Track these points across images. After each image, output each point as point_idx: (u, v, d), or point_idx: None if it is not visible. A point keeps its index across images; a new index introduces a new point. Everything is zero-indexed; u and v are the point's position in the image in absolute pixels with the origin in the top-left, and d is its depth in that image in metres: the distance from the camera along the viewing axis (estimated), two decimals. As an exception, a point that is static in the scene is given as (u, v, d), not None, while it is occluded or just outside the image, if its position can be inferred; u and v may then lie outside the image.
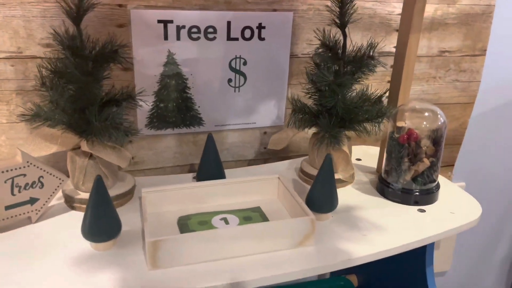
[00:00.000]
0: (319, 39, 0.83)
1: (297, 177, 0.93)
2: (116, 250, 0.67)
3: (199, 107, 0.99)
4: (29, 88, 0.86)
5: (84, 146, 0.72)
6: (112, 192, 0.77)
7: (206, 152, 0.83)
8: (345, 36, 0.82)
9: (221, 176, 0.83)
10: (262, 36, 0.97)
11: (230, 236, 0.64)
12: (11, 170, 0.67)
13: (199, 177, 0.84)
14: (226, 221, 0.72)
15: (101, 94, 0.73)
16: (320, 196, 0.73)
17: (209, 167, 0.83)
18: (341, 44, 0.82)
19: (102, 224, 0.64)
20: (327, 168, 0.72)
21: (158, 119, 0.97)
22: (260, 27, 0.96)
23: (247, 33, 0.96)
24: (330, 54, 0.82)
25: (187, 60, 0.94)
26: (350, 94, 0.84)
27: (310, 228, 0.67)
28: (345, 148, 0.83)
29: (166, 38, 0.91)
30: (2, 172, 0.66)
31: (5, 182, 0.67)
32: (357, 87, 0.86)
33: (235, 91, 1.00)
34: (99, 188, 0.63)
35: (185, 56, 0.93)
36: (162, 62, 0.93)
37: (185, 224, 0.71)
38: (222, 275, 0.62)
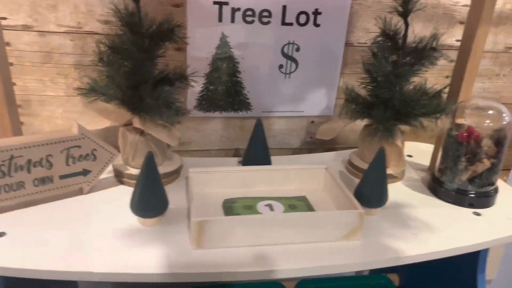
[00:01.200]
0: (380, 27, 0.79)
1: (343, 169, 0.90)
2: (161, 227, 0.67)
3: (248, 92, 0.98)
4: (87, 63, 0.88)
5: (136, 123, 0.73)
6: (160, 170, 0.78)
7: (254, 137, 0.82)
8: (407, 25, 0.78)
9: (267, 162, 0.82)
10: (318, 22, 0.94)
11: (276, 223, 0.63)
12: (67, 141, 0.69)
13: (245, 162, 0.83)
14: (271, 207, 0.71)
15: (155, 72, 0.73)
16: (370, 190, 0.70)
17: (256, 152, 0.82)
18: (402, 34, 0.78)
19: (150, 200, 0.65)
20: (379, 162, 0.70)
21: (207, 102, 0.97)
22: (316, 12, 0.93)
23: (302, 19, 0.93)
24: (389, 44, 0.79)
25: (239, 43, 0.93)
26: (407, 86, 0.80)
27: (358, 222, 0.65)
28: (399, 143, 0.79)
29: (220, 20, 0.90)
30: (59, 142, 0.69)
31: (61, 152, 0.69)
32: (414, 80, 0.82)
33: (285, 78, 0.98)
34: (149, 165, 0.64)
35: (238, 40, 0.93)
36: (215, 44, 0.92)
37: (230, 207, 0.71)
38: (265, 261, 0.61)
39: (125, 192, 0.76)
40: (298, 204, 0.73)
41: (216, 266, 0.60)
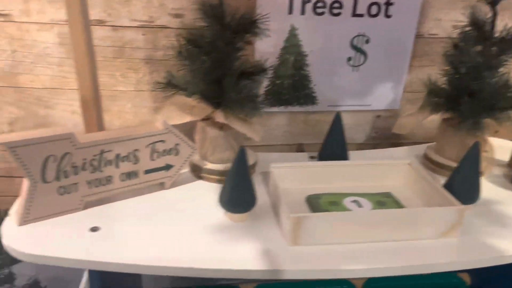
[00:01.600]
0: (468, 17, 0.76)
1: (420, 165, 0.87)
2: (250, 223, 0.66)
3: (314, 85, 0.96)
4: (157, 58, 0.88)
5: (220, 117, 0.72)
6: (237, 165, 0.77)
7: (332, 132, 0.80)
8: (495, 14, 0.74)
9: (345, 157, 0.80)
10: (389, 13, 0.91)
11: (372, 220, 0.61)
12: (153, 135, 0.69)
13: (322, 157, 0.81)
14: (358, 204, 0.69)
15: (237, 65, 0.72)
16: (462, 186, 0.68)
17: (334, 147, 0.80)
18: (490, 23, 0.75)
19: (241, 195, 0.64)
20: (473, 157, 0.67)
21: (273, 96, 0.95)
22: (388, 3, 0.90)
23: (374, 9, 0.91)
24: (476, 34, 0.75)
25: (309, 36, 0.91)
26: (494, 78, 0.76)
27: (458, 219, 0.62)
28: (486, 137, 0.76)
29: (290, 12, 0.89)
30: (145, 136, 0.68)
31: (146, 146, 0.69)
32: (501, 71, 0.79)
33: (353, 70, 0.96)
34: (241, 160, 0.63)
35: (307, 32, 0.91)
36: (283, 37, 0.91)
37: (316, 203, 0.69)
38: (361, 259, 0.60)
39: (205, 187, 0.76)
40: (385, 200, 0.70)
41: (316, 263, 0.58)
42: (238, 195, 0.64)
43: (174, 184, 0.75)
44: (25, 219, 0.62)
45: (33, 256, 0.58)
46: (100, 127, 0.75)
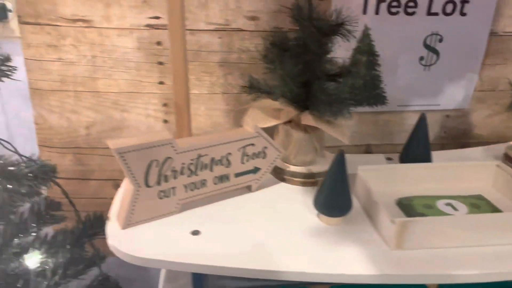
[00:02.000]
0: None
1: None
2: (345, 226, 0.66)
3: (385, 85, 0.95)
4: (231, 60, 0.88)
5: (308, 120, 0.72)
6: (317, 168, 0.77)
7: (416, 133, 0.79)
8: None
9: (429, 159, 0.79)
10: (464, 11, 0.90)
11: (478, 224, 0.60)
12: (245, 139, 0.69)
13: (404, 158, 0.81)
14: (453, 207, 0.68)
15: (325, 68, 0.72)
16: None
17: (418, 148, 0.79)
18: None
19: (339, 198, 0.64)
20: None
21: (343, 96, 0.95)
22: (464, 1, 0.89)
23: (449, 8, 0.89)
24: None
25: (381, 35, 0.90)
26: None
27: None
28: None
29: (365, 12, 0.88)
30: (238, 140, 0.69)
31: (238, 150, 0.69)
32: None
33: (424, 70, 0.95)
34: (340, 163, 0.63)
35: (380, 31, 0.90)
36: (357, 37, 0.90)
37: (409, 206, 0.69)
38: (471, 264, 0.59)
39: (290, 190, 0.76)
40: (479, 203, 0.69)
41: (423, 268, 0.58)
42: (336, 198, 0.64)
43: (259, 187, 0.75)
44: (128, 223, 0.63)
45: (140, 258, 0.59)
46: (190, 131, 0.76)
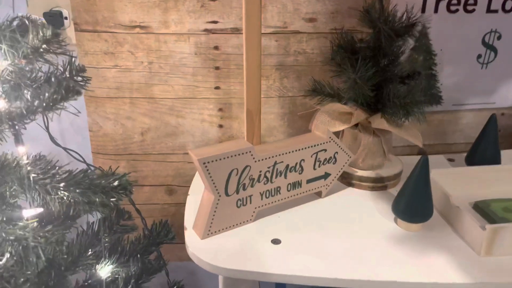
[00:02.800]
0: None
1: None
2: (425, 232, 0.65)
3: (441, 84, 0.94)
4: (288, 63, 0.87)
5: (380, 123, 0.71)
6: (384, 172, 0.76)
7: (486, 133, 0.78)
8: None
9: (498, 161, 0.78)
10: (525, 7, 0.88)
11: None
12: (318, 145, 0.68)
13: (472, 160, 0.79)
14: (534, 210, 0.67)
15: (399, 70, 0.70)
16: None
17: (487, 150, 0.77)
18: None
19: (421, 204, 0.63)
20: None
21: (398, 97, 0.94)
22: (525, -3, 0.87)
23: (508, 5, 0.87)
24: None
25: (439, 34, 0.88)
26: None
27: None
28: None
29: (423, 10, 0.86)
30: (311, 146, 0.68)
31: (311, 156, 0.68)
32: None
33: (482, 68, 0.93)
34: (423, 168, 0.61)
35: (438, 30, 0.88)
36: (414, 36, 0.88)
37: (488, 210, 0.67)
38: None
39: (359, 195, 0.75)
40: (559, 205, 0.68)
41: (514, 275, 0.57)
42: (418, 204, 0.62)
43: (328, 193, 0.74)
44: (207, 232, 0.63)
45: (225, 269, 0.58)
46: (259, 138, 0.75)
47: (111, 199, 0.54)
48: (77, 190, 0.54)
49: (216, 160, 0.59)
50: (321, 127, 0.69)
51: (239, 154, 0.60)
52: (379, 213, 0.70)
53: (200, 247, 0.62)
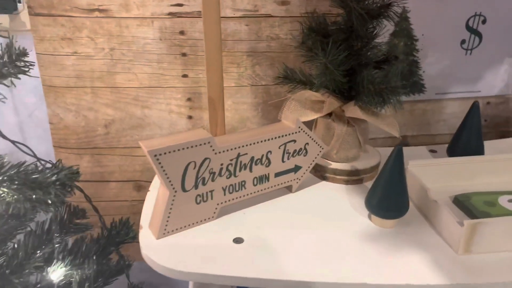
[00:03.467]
0: None
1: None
2: (400, 228, 0.60)
3: (423, 72, 0.89)
4: (260, 49, 0.82)
5: (353, 112, 0.65)
6: (360, 165, 0.71)
7: (467, 122, 0.73)
8: None
9: (481, 151, 0.73)
10: (511, -11, 0.83)
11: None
12: (286, 135, 0.63)
13: (454, 151, 0.74)
14: (517, 203, 0.62)
15: (373, 55, 0.65)
16: None
17: (469, 140, 0.73)
18: None
19: (395, 199, 0.58)
20: None
21: (378, 85, 0.89)
22: (511, -22, 0.82)
23: (494, -14, 0.82)
24: None
25: (421, 18, 0.83)
26: None
27: None
28: None
29: (403, -7, 0.81)
30: (278, 137, 0.62)
31: (279, 147, 0.63)
32: None
33: (466, 54, 0.88)
34: (397, 160, 0.56)
35: (420, 13, 0.83)
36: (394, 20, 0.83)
37: (468, 203, 0.62)
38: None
39: (332, 189, 0.70)
40: (545, 198, 0.63)
41: (494, 273, 0.52)
42: (393, 198, 0.58)
43: (299, 187, 0.69)
44: (163, 232, 0.57)
45: (182, 273, 0.53)
46: (224, 128, 0.69)
47: (49, 196, 0.48)
48: (13, 186, 0.49)
49: (170, 152, 0.53)
50: (290, 116, 0.64)
51: (196, 146, 0.55)
52: (354, 208, 0.65)
53: (155, 248, 0.56)
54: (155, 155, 0.53)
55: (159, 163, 0.53)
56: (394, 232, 0.59)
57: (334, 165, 0.71)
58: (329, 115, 0.71)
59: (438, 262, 0.54)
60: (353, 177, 0.70)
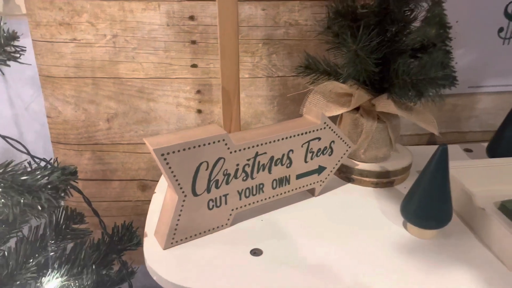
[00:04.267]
0: None
1: None
2: (441, 240, 0.53)
3: (456, 63, 0.81)
4: (277, 37, 0.74)
5: (386, 106, 0.58)
6: (395, 164, 0.64)
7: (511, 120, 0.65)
8: None
9: (525, 151, 0.65)
10: (557, -30, 0.75)
11: None
12: (310, 132, 0.55)
13: (495, 151, 0.67)
14: None
15: (410, 42, 0.58)
16: None
17: (513, 139, 0.65)
18: None
19: (436, 206, 0.50)
20: None
21: (405, 78, 0.81)
22: (557, -42, 0.74)
23: (537, -33, 0.74)
24: None
25: (455, 3, 0.75)
26: None
27: None
28: None
29: (437, -26, 0.73)
30: (301, 134, 0.55)
31: (301, 146, 0.56)
32: None
33: (503, 43, 0.80)
34: (441, 162, 0.49)
35: (454, -1, 0.75)
36: (424, 5, 0.75)
37: (516, 211, 0.55)
38: None
39: (360, 193, 0.62)
40: None
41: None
42: (434, 206, 0.50)
43: (322, 190, 0.62)
44: (171, 241, 0.50)
45: (191, 289, 0.46)
46: (239, 123, 0.62)
47: (39, 201, 0.41)
48: (-2, 190, 0.42)
49: (179, 151, 0.46)
50: (314, 110, 0.57)
51: (209, 143, 0.48)
52: (385, 215, 0.57)
53: (161, 260, 0.49)
54: (162, 154, 0.45)
55: (167, 163, 0.46)
56: (434, 244, 0.52)
57: (361, 166, 0.63)
58: (357, 109, 0.63)
59: (489, 281, 0.46)
60: (382, 179, 0.63)
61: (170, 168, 0.46)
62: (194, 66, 0.75)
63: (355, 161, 0.64)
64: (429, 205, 0.50)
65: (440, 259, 0.50)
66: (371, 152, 0.63)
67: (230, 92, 0.58)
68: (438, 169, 0.49)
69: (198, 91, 0.77)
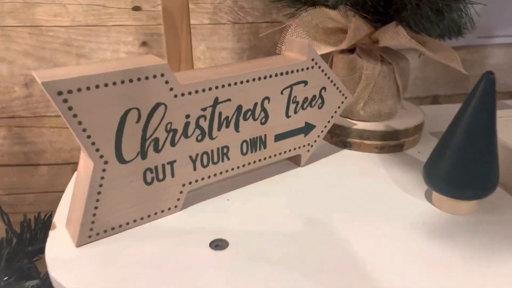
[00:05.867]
0: None
1: None
2: (483, 217, 0.37)
3: (463, 6, 0.66)
4: (244, -30, 0.58)
5: (400, 38, 0.42)
6: (403, 123, 0.48)
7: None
8: None
9: None
10: None
11: None
12: (293, 71, 0.39)
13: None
14: None
15: None
16: None
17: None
18: None
19: (478, 168, 0.35)
20: None
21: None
22: None
23: None
24: None
25: None
26: None
27: None
28: None
29: None
30: (282, 73, 0.38)
31: (281, 92, 0.39)
32: None
33: (519, -18, 0.66)
34: (488, 98, 0.33)
35: None
36: None
37: None
38: None
39: (360, 161, 0.46)
40: None
41: None
42: (476, 167, 0.34)
43: (310, 159, 0.46)
44: (88, 234, 0.33)
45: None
46: (191, 62, 0.45)
47: None
48: None
49: (88, 89, 0.29)
50: (297, 42, 0.40)
51: (138, 79, 0.31)
52: (400, 187, 0.42)
53: (72, 263, 0.32)
54: (60, 93, 0.28)
55: (69, 108, 0.29)
56: (474, 222, 0.37)
57: (361, 125, 0.47)
58: (351, 51, 0.48)
59: None
60: (389, 142, 0.47)
61: (75, 116, 0.29)
62: (136, 8, 0.57)
63: (351, 120, 0.48)
64: (468, 166, 0.34)
65: (486, 243, 0.34)
66: (373, 106, 0.47)
67: (176, 16, 0.40)
68: (482, 109, 0.33)
69: (144, 43, 0.59)
